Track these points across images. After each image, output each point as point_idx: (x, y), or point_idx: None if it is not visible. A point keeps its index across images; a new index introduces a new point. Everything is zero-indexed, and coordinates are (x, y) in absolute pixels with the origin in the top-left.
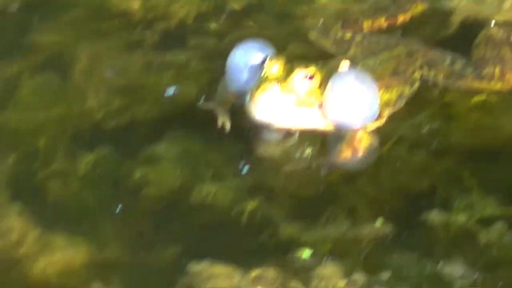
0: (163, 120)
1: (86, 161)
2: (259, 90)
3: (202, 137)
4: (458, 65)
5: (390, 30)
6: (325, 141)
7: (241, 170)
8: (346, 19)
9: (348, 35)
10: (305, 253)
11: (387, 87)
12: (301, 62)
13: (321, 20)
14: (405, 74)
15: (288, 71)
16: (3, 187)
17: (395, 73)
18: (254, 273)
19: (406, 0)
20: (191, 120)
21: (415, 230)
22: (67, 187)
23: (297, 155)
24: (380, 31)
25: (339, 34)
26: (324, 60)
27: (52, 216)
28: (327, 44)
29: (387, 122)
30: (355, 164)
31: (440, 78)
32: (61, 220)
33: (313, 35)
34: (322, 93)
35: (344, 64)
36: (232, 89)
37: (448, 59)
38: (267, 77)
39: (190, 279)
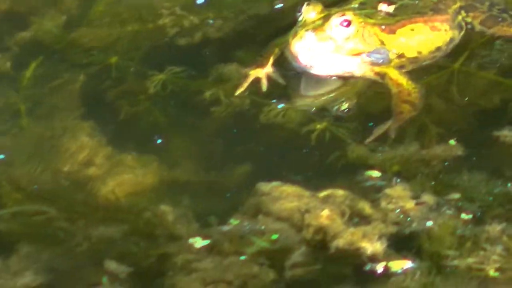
0: (234, 40)
1: (156, 79)
2: (296, 37)
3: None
4: (496, 9)
5: None
6: (362, 94)
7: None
8: None
9: None
10: (374, 174)
11: (434, 28)
12: (339, 8)
13: None
14: (447, 13)
15: (326, 18)
16: (74, 105)
17: (435, 9)
18: (323, 193)
19: None
20: (260, 41)
21: (485, 149)
22: (137, 106)
23: (334, 108)
24: None
25: None
26: (361, 4)
27: (122, 136)
28: None
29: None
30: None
31: (477, 22)
32: (131, 140)
33: None
34: (360, 40)
35: (383, 4)
36: None
37: (486, 3)
38: (304, 22)
39: (258, 199)
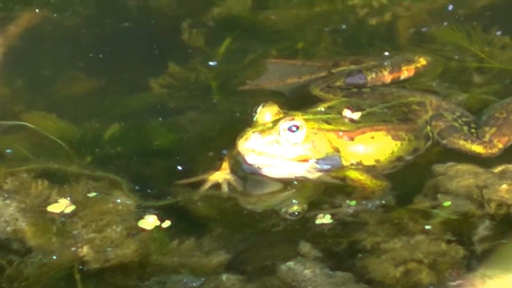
0: None
1: None
2: (242, 137)
3: None
4: (461, 121)
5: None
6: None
7: None
8: (349, 74)
9: (354, 90)
10: None
11: (396, 137)
12: (294, 112)
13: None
14: (415, 122)
15: (277, 121)
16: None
17: (403, 119)
18: (498, 169)
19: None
20: None
21: None
22: None
23: (283, 210)
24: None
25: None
26: (328, 108)
27: None
28: (334, 95)
29: None
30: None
31: (436, 132)
32: None
33: (315, 90)
34: (309, 146)
35: (347, 110)
36: None
37: (457, 113)
38: (255, 124)
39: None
